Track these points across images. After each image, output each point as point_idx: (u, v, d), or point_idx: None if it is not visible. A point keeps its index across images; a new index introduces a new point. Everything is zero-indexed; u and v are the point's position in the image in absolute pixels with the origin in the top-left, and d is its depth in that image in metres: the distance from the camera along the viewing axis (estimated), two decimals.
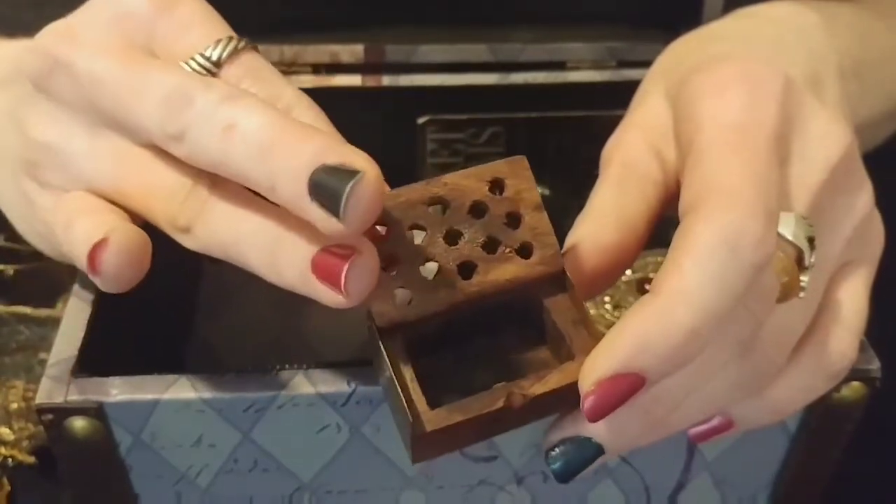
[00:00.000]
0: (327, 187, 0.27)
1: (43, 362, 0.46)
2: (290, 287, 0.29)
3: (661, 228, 0.33)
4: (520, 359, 0.32)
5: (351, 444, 0.35)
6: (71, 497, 0.37)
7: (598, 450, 0.30)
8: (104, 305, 0.36)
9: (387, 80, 0.48)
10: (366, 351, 0.31)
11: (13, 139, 0.35)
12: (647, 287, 0.29)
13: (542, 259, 0.31)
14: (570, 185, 0.51)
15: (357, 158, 0.27)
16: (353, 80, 0.48)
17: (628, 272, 0.48)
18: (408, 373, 0.29)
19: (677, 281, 0.27)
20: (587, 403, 0.28)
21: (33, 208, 0.34)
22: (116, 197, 0.32)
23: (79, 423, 0.33)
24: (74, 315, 0.36)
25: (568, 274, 0.31)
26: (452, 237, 0.31)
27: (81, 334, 0.35)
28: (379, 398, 0.33)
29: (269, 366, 0.34)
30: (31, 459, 0.45)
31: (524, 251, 0.31)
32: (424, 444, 0.29)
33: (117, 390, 0.33)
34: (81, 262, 0.30)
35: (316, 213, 0.27)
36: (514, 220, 0.31)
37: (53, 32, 0.33)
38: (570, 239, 0.32)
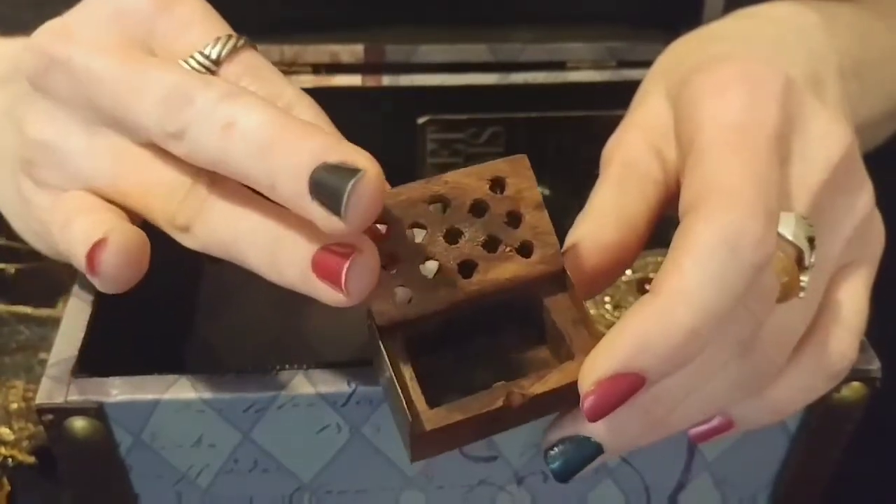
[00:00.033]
0: (328, 186, 0.27)
1: (43, 362, 0.46)
2: (291, 286, 0.29)
3: (661, 228, 0.33)
4: (520, 358, 0.32)
5: (351, 444, 0.35)
6: (71, 497, 0.37)
7: (598, 449, 0.30)
8: (104, 305, 0.36)
9: (387, 80, 0.48)
10: (366, 351, 0.31)
11: (11, 138, 0.35)
12: (647, 287, 0.29)
13: (543, 258, 0.31)
14: (570, 185, 0.51)
15: (358, 157, 0.27)
16: (353, 80, 0.48)
17: (628, 272, 0.48)
18: (407, 372, 0.29)
19: (677, 281, 0.27)
20: (587, 403, 0.28)
21: (30, 207, 0.34)
22: (115, 196, 0.32)
23: (79, 423, 0.33)
24: (74, 315, 0.36)
25: (568, 273, 0.31)
26: (453, 236, 0.31)
27: (81, 334, 0.35)
28: (379, 398, 0.33)
29: (269, 366, 0.34)
30: (31, 459, 0.45)
31: (524, 250, 0.31)
32: (423, 443, 0.29)
33: (117, 390, 0.33)
34: (79, 261, 0.30)
35: (316, 212, 0.27)
36: (514, 218, 0.31)
37: (49, 31, 0.32)
38: (571, 238, 0.32)
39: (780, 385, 0.32)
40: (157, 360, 0.35)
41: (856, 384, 0.35)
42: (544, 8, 0.50)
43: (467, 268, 0.31)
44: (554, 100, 0.49)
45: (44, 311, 0.47)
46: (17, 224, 0.37)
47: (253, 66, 0.33)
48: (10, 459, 0.45)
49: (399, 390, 0.29)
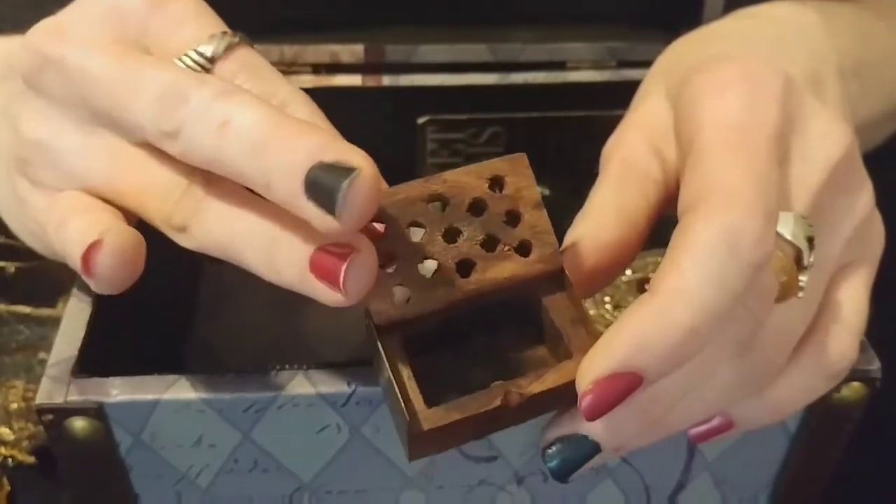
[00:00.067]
0: (323, 185, 0.26)
1: (43, 362, 0.46)
2: (289, 286, 0.29)
3: (661, 228, 0.33)
4: (518, 357, 0.32)
5: (351, 444, 0.35)
6: (71, 497, 0.37)
7: (595, 448, 0.30)
8: (104, 305, 0.36)
9: (387, 80, 0.48)
10: (366, 351, 0.31)
11: (6, 137, 0.35)
12: (647, 287, 0.29)
13: (541, 257, 0.31)
14: (570, 185, 0.51)
15: (353, 155, 0.27)
16: (353, 80, 0.48)
17: (628, 272, 0.48)
18: (405, 371, 0.29)
19: (676, 280, 0.27)
20: (585, 402, 0.28)
21: (26, 207, 0.34)
22: (111, 195, 0.32)
23: (79, 424, 0.33)
24: (74, 315, 0.36)
25: (567, 272, 0.31)
26: (451, 235, 0.31)
27: (81, 334, 0.35)
28: (379, 399, 0.33)
29: (268, 366, 0.34)
30: (31, 459, 0.45)
31: (523, 249, 0.31)
32: (421, 443, 0.29)
33: (117, 390, 0.33)
34: (74, 262, 0.30)
35: (311, 211, 0.27)
36: (513, 217, 0.31)
37: (43, 29, 0.32)
38: (570, 236, 0.32)
39: (780, 385, 0.32)
40: (156, 360, 0.35)
41: (856, 384, 0.35)
42: (544, 8, 0.50)
43: (465, 267, 0.30)
44: (554, 100, 0.49)
45: (44, 311, 0.47)
46: (14, 224, 0.37)
47: (248, 64, 0.32)
48: (10, 459, 0.45)
49: (397, 390, 0.29)
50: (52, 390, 0.33)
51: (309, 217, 0.27)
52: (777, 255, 0.29)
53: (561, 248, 0.32)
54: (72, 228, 0.30)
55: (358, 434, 0.34)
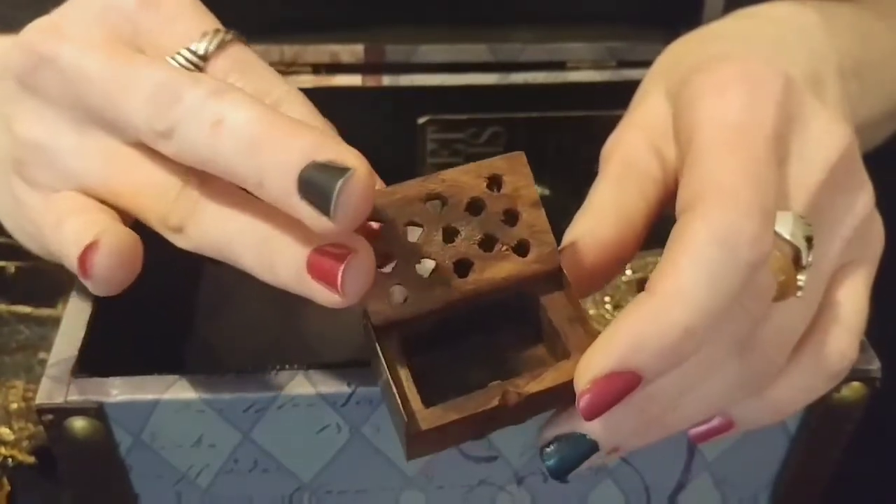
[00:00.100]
0: (317, 184, 0.26)
1: (43, 362, 0.46)
2: (286, 287, 0.29)
3: (661, 228, 0.33)
4: (516, 356, 0.32)
5: (351, 444, 0.35)
6: (71, 497, 0.37)
7: (593, 446, 0.30)
8: (104, 305, 0.36)
9: (387, 80, 0.48)
10: (366, 351, 0.31)
11: (2, 137, 0.34)
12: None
13: (539, 257, 0.31)
14: (569, 185, 0.51)
15: (347, 155, 0.27)
16: (353, 80, 0.48)
17: (628, 272, 0.48)
18: (403, 371, 0.29)
19: (673, 279, 0.27)
20: (583, 402, 0.28)
21: (22, 207, 0.34)
22: (106, 195, 0.32)
23: (79, 424, 0.33)
24: (74, 315, 0.36)
25: (565, 271, 0.31)
26: (449, 234, 0.30)
27: (81, 334, 0.35)
28: (379, 399, 0.33)
29: (269, 366, 0.34)
30: (31, 459, 0.45)
31: (521, 249, 0.31)
32: (419, 442, 0.29)
33: (117, 390, 0.33)
34: (71, 262, 0.30)
35: (305, 211, 0.27)
36: (511, 217, 0.31)
37: (37, 29, 0.32)
38: (569, 235, 0.32)
39: (780, 385, 0.32)
40: (156, 361, 0.35)
41: (856, 384, 0.35)
42: (544, 8, 0.50)
43: (463, 267, 0.30)
44: (554, 100, 0.49)
45: (44, 311, 0.47)
46: (9, 224, 0.37)
47: (241, 61, 0.32)
48: (10, 459, 0.45)
49: (395, 390, 0.29)
50: (52, 390, 0.33)
51: (303, 217, 0.27)
52: (775, 254, 0.29)
53: (560, 247, 0.32)
54: (68, 229, 0.30)
55: (358, 434, 0.34)
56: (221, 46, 0.32)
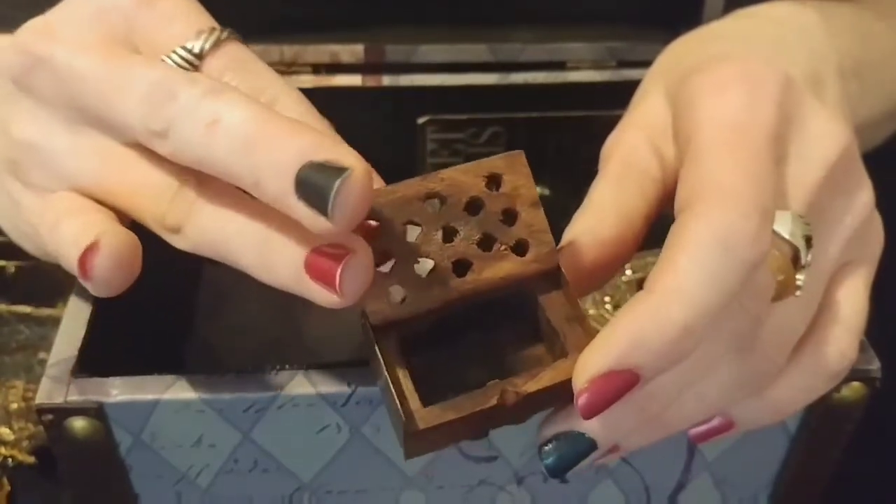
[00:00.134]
0: (314, 185, 0.26)
1: (43, 362, 0.46)
2: (284, 287, 0.29)
3: (662, 228, 0.33)
4: (514, 355, 0.32)
5: (351, 444, 0.35)
6: (71, 497, 0.37)
7: (592, 445, 0.30)
8: (104, 305, 0.36)
9: (387, 80, 0.48)
10: (366, 352, 0.31)
11: None
12: None
13: (538, 256, 0.31)
14: (569, 185, 0.51)
15: (345, 155, 0.27)
16: (353, 80, 0.48)
17: (629, 272, 0.48)
18: (401, 370, 0.29)
19: (671, 278, 0.27)
20: (581, 400, 0.28)
21: (18, 208, 0.34)
22: (102, 196, 0.32)
23: (79, 423, 0.33)
24: (74, 315, 0.36)
25: (563, 270, 0.31)
26: (448, 234, 0.30)
27: (81, 334, 0.35)
28: (379, 399, 0.33)
29: (268, 366, 0.34)
30: (31, 459, 0.45)
31: (519, 248, 0.31)
32: (417, 441, 0.29)
33: (117, 390, 0.33)
34: (68, 263, 0.30)
35: (302, 211, 0.27)
36: (510, 216, 0.31)
37: (32, 29, 0.32)
38: (568, 234, 0.32)
39: (781, 385, 0.32)
40: (156, 361, 0.35)
41: (856, 384, 0.35)
42: (544, 8, 0.50)
43: (462, 267, 0.30)
44: (554, 100, 0.49)
45: (44, 311, 0.47)
46: (6, 224, 0.37)
47: (237, 59, 0.32)
48: (10, 459, 0.45)
49: (393, 389, 0.29)
50: (52, 390, 0.33)
51: (300, 217, 0.27)
52: (774, 253, 0.29)
53: (559, 246, 0.32)
54: (65, 230, 0.30)
55: (358, 434, 0.34)
56: (217, 45, 0.32)
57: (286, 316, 0.49)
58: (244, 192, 0.29)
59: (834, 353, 0.32)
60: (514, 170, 0.31)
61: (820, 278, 0.32)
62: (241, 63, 0.32)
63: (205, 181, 0.30)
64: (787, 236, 0.30)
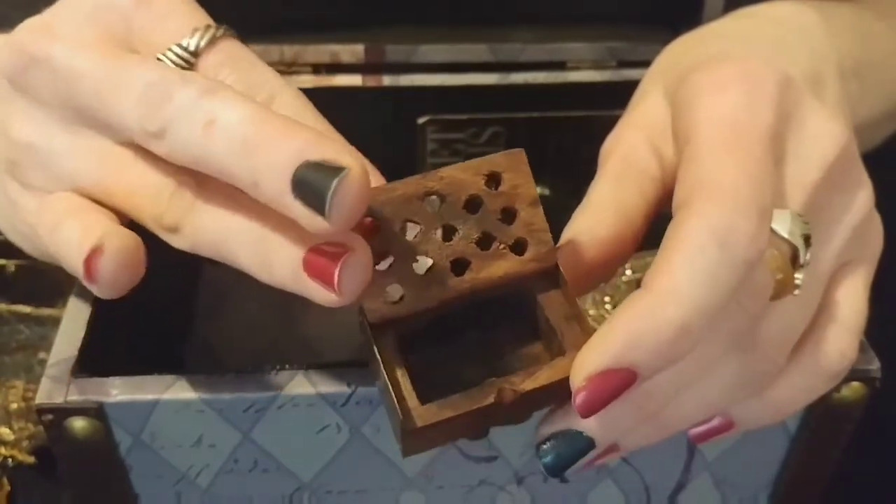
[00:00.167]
0: (311, 184, 0.26)
1: (43, 362, 0.46)
2: (283, 286, 0.29)
3: (661, 228, 0.33)
4: (512, 353, 0.32)
5: (351, 444, 0.35)
6: (71, 497, 0.37)
7: (590, 443, 0.30)
8: (104, 306, 0.36)
9: (387, 80, 0.48)
10: (365, 351, 0.31)
11: None
12: None
13: (536, 255, 0.31)
14: (569, 185, 0.51)
15: (342, 154, 0.26)
16: (354, 80, 0.48)
17: (628, 272, 0.48)
18: (399, 368, 0.29)
19: (669, 277, 0.27)
20: (579, 399, 0.28)
21: (16, 209, 0.34)
22: (100, 196, 0.32)
23: (79, 424, 0.33)
24: (74, 315, 0.36)
25: (562, 269, 0.31)
26: (447, 233, 0.30)
27: (81, 334, 0.35)
28: (378, 399, 0.33)
29: (268, 366, 0.34)
30: (31, 459, 0.45)
31: (518, 247, 0.31)
32: (415, 439, 0.29)
33: (117, 390, 0.33)
34: (70, 265, 0.30)
35: (300, 211, 0.26)
36: (509, 215, 0.31)
37: (29, 28, 0.32)
38: (568, 232, 0.32)
39: (780, 385, 0.32)
40: (156, 361, 0.35)
41: (856, 384, 0.35)
42: (544, 8, 0.50)
43: (460, 266, 0.30)
44: (554, 100, 0.49)
45: (44, 311, 0.47)
46: (4, 225, 0.37)
47: (233, 56, 0.32)
48: (10, 459, 0.45)
49: (390, 387, 0.29)
50: (52, 390, 0.33)
51: (297, 217, 0.27)
52: (773, 252, 0.29)
53: (558, 244, 0.32)
54: (67, 232, 0.30)
55: (358, 434, 0.34)
56: (212, 42, 0.32)
57: (286, 316, 0.49)
58: (241, 190, 0.29)
59: (834, 353, 0.32)
60: (514, 168, 0.31)
61: (819, 278, 0.32)
62: (236, 60, 0.32)
63: (203, 181, 0.30)
64: (785, 235, 0.30)
